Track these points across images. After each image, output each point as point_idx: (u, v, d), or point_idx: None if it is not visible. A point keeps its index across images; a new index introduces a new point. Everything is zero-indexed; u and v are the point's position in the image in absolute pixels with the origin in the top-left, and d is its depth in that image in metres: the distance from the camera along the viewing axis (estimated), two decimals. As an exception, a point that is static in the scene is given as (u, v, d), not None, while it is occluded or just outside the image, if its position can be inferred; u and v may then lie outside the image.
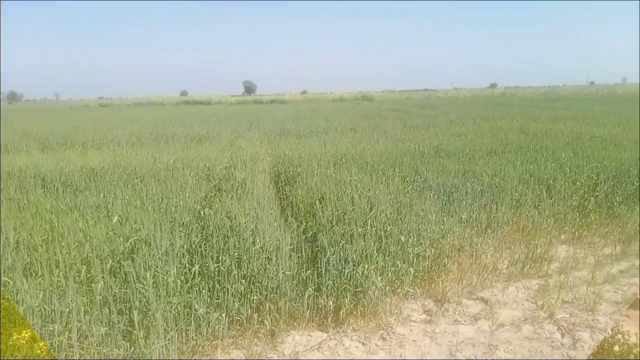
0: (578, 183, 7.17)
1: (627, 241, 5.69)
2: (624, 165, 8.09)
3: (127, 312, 3.68)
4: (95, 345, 3.38)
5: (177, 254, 4.45)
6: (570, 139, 11.76)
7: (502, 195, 6.55)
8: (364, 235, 4.81)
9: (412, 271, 4.47)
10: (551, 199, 6.60)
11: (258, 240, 4.57)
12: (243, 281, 4.11)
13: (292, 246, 4.85)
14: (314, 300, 4.11)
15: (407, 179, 7.47)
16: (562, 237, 6.00)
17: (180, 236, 4.79)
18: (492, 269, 4.97)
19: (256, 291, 4.11)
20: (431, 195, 6.60)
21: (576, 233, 6.00)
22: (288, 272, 4.21)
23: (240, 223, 5.01)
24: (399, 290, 4.41)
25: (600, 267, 5.08)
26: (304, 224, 5.46)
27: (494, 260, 5.16)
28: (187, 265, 4.28)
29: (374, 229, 4.98)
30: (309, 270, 4.35)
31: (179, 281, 3.96)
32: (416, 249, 4.75)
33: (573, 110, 24.18)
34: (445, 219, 5.61)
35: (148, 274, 3.86)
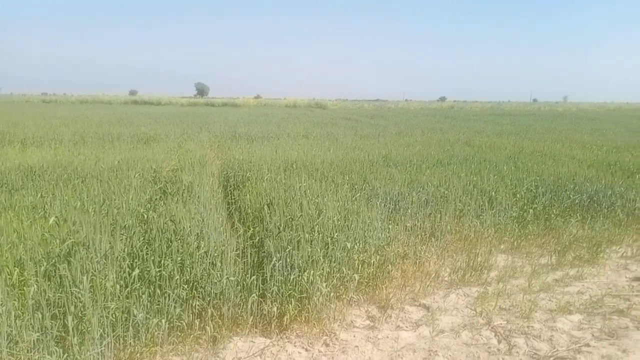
0: (518, 195, 7.48)
1: (562, 251, 5.96)
2: (561, 179, 8.50)
3: (62, 317, 3.52)
4: (25, 351, 3.21)
5: (117, 257, 4.30)
6: (512, 153, 12.25)
7: (446, 205, 6.73)
8: (311, 242, 4.81)
9: (357, 277, 4.51)
10: (492, 209, 6.84)
11: (202, 245, 4.49)
12: (185, 286, 4.02)
13: (237, 251, 4.79)
14: (258, 306, 4.08)
15: (356, 186, 7.54)
16: (502, 246, 6.23)
17: (121, 239, 4.63)
18: (434, 277, 5.09)
19: (199, 297, 4.03)
20: (378, 203, 6.70)
21: (515, 243, 6.24)
22: (232, 278, 4.15)
23: (184, 227, 4.91)
24: (344, 296, 4.44)
25: (537, 276, 5.30)
26: (251, 229, 5.42)
27: (437, 267, 5.29)
28: (127, 269, 4.14)
29: (321, 235, 5.00)
30: (254, 276, 4.30)
31: (117, 286, 3.83)
32: (362, 255, 4.80)
33: (516, 126, 25.22)
34: (390, 226, 5.71)
35: (85, 277, 3.71)
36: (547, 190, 7.78)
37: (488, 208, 6.85)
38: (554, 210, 7.02)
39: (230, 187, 8.04)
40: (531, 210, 6.86)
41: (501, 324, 4.24)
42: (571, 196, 7.55)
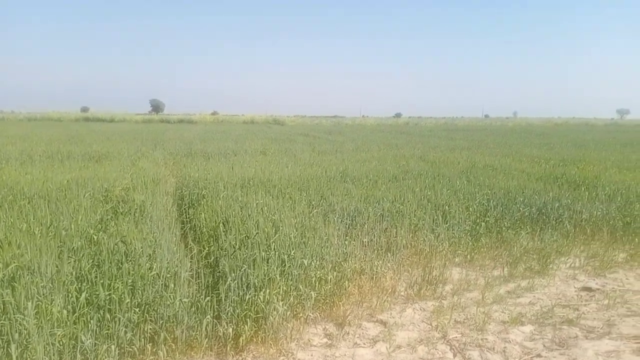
0: (471, 209, 7.65)
1: (513, 263, 6.12)
2: (511, 192, 8.77)
3: (5, 346, 3.34)
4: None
5: (65, 281, 4.12)
6: (465, 167, 12.57)
7: (401, 220, 6.81)
8: (267, 260, 4.77)
9: (314, 295, 4.48)
10: (446, 223, 6.98)
11: (155, 266, 4.36)
12: (136, 310, 3.88)
13: (192, 272, 4.69)
14: (213, 327, 3.98)
15: (313, 202, 7.55)
16: (456, 259, 6.34)
17: (69, 262, 4.45)
18: (391, 292, 5.13)
19: (151, 320, 3.90)
20: (335, 218, 6.72)
21: (469, 256, 6.37)
22: (186, 299, 4.05)
23: (136, 248, 4.77)
24: (301, 314, 4.39)
25: (490, 288, 5.42)
26: (206, 248, 5.32)
27: (393, 282, 5.33)
28: (75, 293, 3.97)
29: (277, 253, 4.96)
30: (209, 297, 4.21)
31: (65, 311, 3.66)
32: (319, 272, 4.78)
33: (469, 141, 25.97)
34: (347, 242, 5.73)
35: (30, 303, 3.54)
36: (498, 203, 8.00)
37: (442, 222, 6.98)
38: (505, 223, 7.22)
39: (185, 205, 7.88)
40: (483, 224, 7.03)
41: (456, 337, 4.30)
42: (521, 209, 7.79)
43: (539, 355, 3.99)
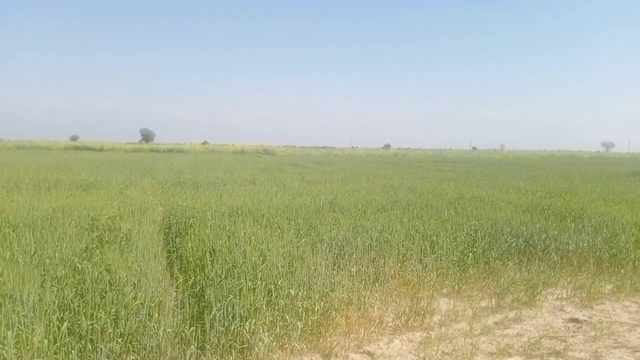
0: (458, 239, 7.67)
1: (501, 294, 6.11)
2: (499, 223, 8.82)
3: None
4: None
5: (47, 310, 4.05)
6: (452, 198, 12.64)
7: (389, 250, 6.81)
8: (254, 290, 4.73)
9: (301, 325, 4.43)
10: (434, 253, 6.98)
11: (139, 296, 4.31)
12: (119, 340, 3.82)
13: (177, 301, 4.63)
14: (197, 359, 3.91)
15: (301, 232, 7.53)
16: (444, 290, 6.32)
17: (51, 291, 4.39)
18: (378, 322, 5.08)
19: (134, 350, 3.83)
20: (323, 248, 6.70)
21: (456, 286, 6.35)
22: (170, 329, 3.99)
23: (120, 277, 4.71)
24: (287, 345, 4.33)
25: (478, 319, 5.39)
26: (192, 277, 5.26)
27: (381, 313, 5.29)
28: (57, 323, 3.90)
29: (264, 282, 4.92)
30: (194, 327, 4.15)
31: (46, 341, 3.59)
32: (306, 302, 4.74)
33: (457, 172, 26.21)
34: (335, 272, 5.70)
35: (10, 332, 3.47)
36: (485, 234, 8.03)
37: (430, 252, 6.98)
38: (493, 254, 7.24)
39: (172, 234, 7.82)
40: (471, 254, 7.05)
41: (444, 368, 4.25)
42: (508, 240, 7.82)
43: (526, 388, 3.95)
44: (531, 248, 7.69)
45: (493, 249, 7.47)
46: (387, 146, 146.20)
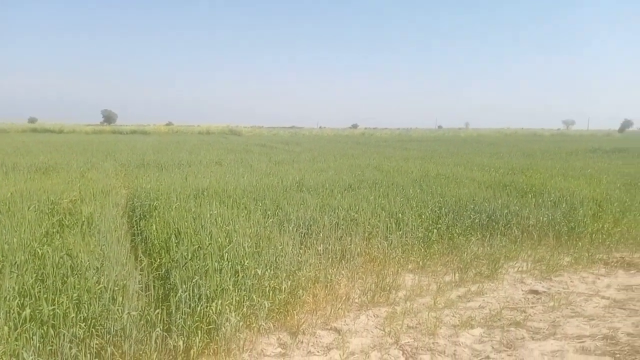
0: (423, 216, 7.79)
1: (464, 269, 6.26)
2: (462, 200, 8.98)
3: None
4: None
5: (6, 297, 3.93)
6: (418, 176, 12.79)
7: (356, 228, 6.87)
8: (220, 270, 4.70)
9: (267, 304, 4.44)
10: (400, 230, 7.08)
11: (102, 280, 4.22)
12: (82, 324, 3.74)
13: (141, 285, 4.56)
14: (162, 341, 3.88)
15: (269, 212, 7.51)
16: (409, 266, 6.44)
17: (10, 277, 4.25)
18: (345, 299, 5.15)
19: (97, 335, 3.77)
20: (291, 228, 6.70)
21: (421, 262, 6.48)
22: (134, 313, 3.93)
23: (82, 261, 4.60)
24: (254, 325, 4.34)
25: (441, 293, 5.53)
26: (157, 260, 5.19)
27: (347, 290, 5.35)
28: (17, 309, 3.79)
29: (230, 263, 4.90)
30: (159, 309, 4.10)
31: (6, 328, 3.50)
32: (273, 282, 4.75)
33: (422, 151, 26.55)
34: (302, 251, 5.72)
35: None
36: (449, 210, 8.18)
37: (396, 229, 7.08)
38: (457, 230, 7.39)
39: (137, 217, 7.67)
40: (435, 231, 7.18)
41: (408, 342, 4.35)
42: (472, 216, 7.99)
43: (487, 357, 4.09)
44: (493, 223, 7.88)
45: (457, 225, 7.63)
46: (355, 126, 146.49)
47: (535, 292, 5.79)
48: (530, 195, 9.75)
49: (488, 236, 7.41)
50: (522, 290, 5.85)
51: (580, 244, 7.33)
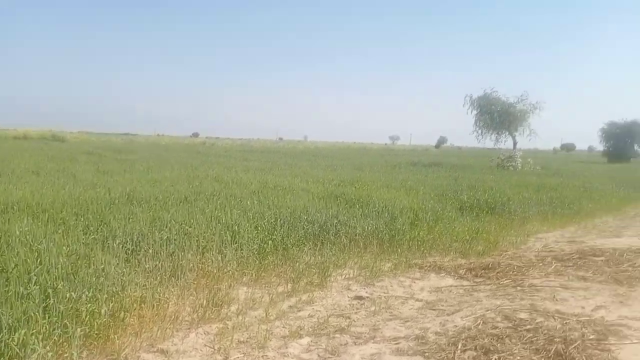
0: (259, 228, 7.86)
1: (296, 278, 6.43)
2: (297, 211, 9.26)
3: None
4: None
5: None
6: (257, 187, 12.88)
7: (189, 242, 6.66)
8: (27, 296, 4.17)
9: (80, 331, 4.04)
10: (236, 243, 7.03)
11: None
12: None
13: None
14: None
15: (91, 228, 6.91)
16: (244, 279, 6.41)
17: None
18: (174, 318, 4.93)
19: None
20: (116, 245, 6.24)
21: (256, 274, 6.50)
22: None
23: None
24: (67, 354, 3.92)
25: (274, 305, 5.60)
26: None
27: (177, 308, 5.14)
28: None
29: (40, 287, 4.37)
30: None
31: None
32: (90, 305, 4.35)
33: (262, 162, 26.88)
34: (127, 270, 5.35)
35: None
36: (285, 221, 8.37)
37: (231, 242, 7.02)
38: (291, 240, 7.60)
39: None
40: (270, 242, 7.28)
41: (238, 357, 4.31)
42: (305, 226, 8.29)
43: (314, 365, 4.24)
44: (325, 233, 8.26)
45: (291, 235, 7.83)
46: (196, 135, 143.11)
47: (360, 297, 6.19)
48: (357, 206, 10.41)
49: (319, 245, 7.74)
50: (348, 297, 6.20)
51: (399, 250, 8.05)
